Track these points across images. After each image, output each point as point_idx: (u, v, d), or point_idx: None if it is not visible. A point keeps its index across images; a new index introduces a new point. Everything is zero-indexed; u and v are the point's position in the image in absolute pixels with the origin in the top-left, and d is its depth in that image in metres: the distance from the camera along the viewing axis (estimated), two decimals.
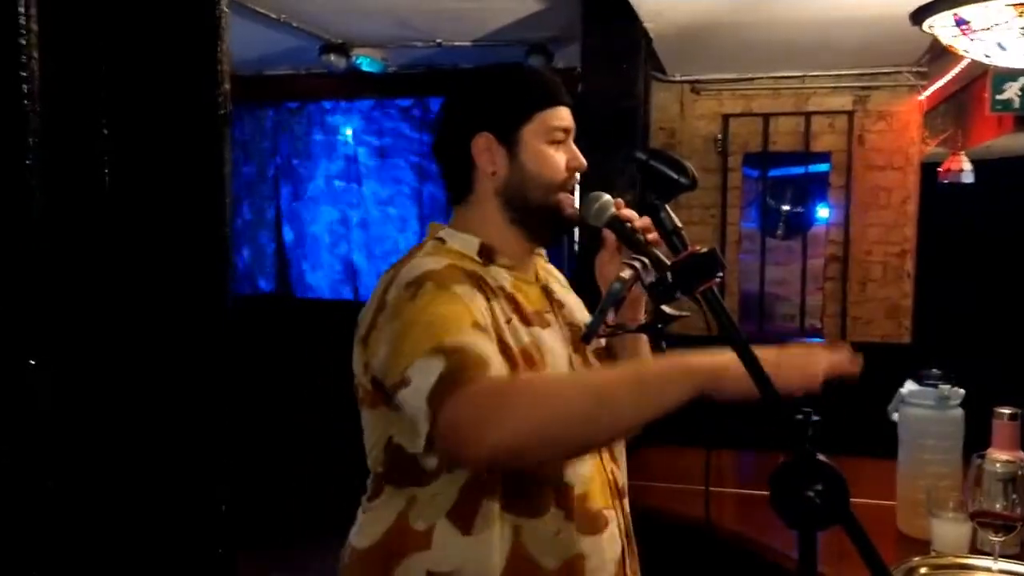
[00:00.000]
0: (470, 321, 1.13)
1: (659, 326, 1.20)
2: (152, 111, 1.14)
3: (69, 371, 1.08)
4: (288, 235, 5.43)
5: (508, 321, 1.22)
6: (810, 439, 1.06)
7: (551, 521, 1.21)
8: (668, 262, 1.19)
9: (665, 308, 1.18)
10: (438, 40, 4.30)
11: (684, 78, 4.56)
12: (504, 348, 1.18)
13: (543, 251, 1.40)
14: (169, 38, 1.15)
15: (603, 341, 1.37)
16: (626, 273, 1.21)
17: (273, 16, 3.83)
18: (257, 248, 5.48)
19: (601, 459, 1.29)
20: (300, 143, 5.35)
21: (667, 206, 1.22)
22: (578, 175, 1.32)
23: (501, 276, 1.28)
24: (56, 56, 1.00)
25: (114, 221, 1.12)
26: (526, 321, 1.25)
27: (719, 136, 4.60)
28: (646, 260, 1.25)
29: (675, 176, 1.20)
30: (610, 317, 1.21)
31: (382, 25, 4.08)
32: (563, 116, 1.29)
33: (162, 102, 1.15)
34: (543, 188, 1.28)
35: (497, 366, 1.10)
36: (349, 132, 5.29)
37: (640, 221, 1.27)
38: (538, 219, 1.30)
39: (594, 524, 1.25)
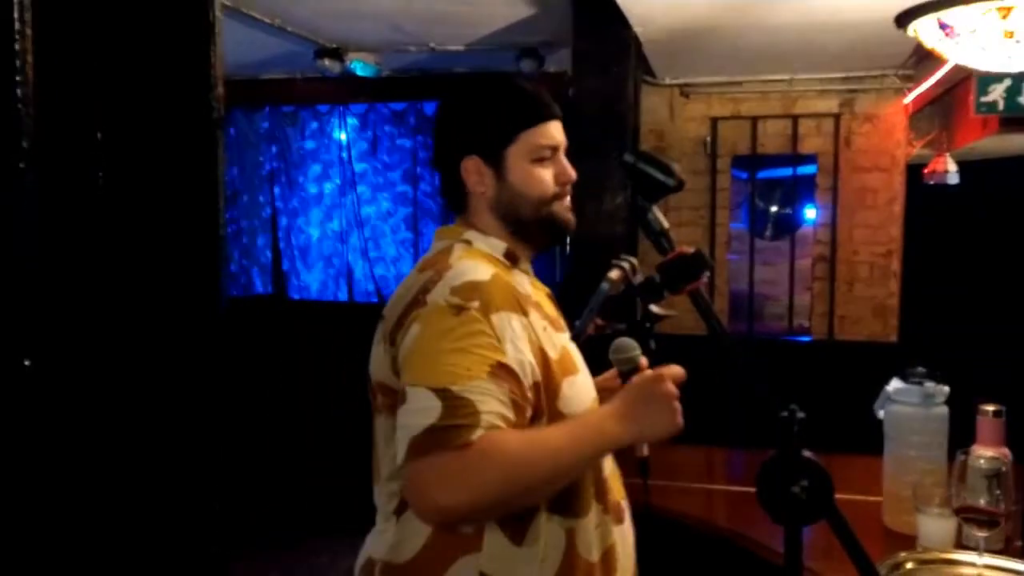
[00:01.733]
0: (490, 366, 1.14)
1: (647, 325, 1.22)
2: (145, 114, 1.15)
3: (64, 372, 1.08)
4: (283, 238, 5.43)
5: (544, 329, 1.25)
6: (796, 436, 1.08)
7: (594, 516, 1.27)
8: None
9: (653, 307, 1.20)
10: (431, 44, 4.31)
11: (673, 82, 4.59)
12: (545, 360, 1.21)
13: None
14: (162, 42, 1.16)
15: None
16: (614, 273, 1.23)
17: (267, 21, 3.83)
18: (252, 251, 5.47)
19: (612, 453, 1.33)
20: (295, 146, 5.35)
21: (655, 207, 1.24)
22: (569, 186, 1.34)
23: (524, 282, 1.31)
24: (50, 60, 1.00)
25: (108, 223, 1.13)
26: (555, 327, 1.29)
27: (708, 139, 4.63)
28: (634, 260, 1.27)
29: (662, 178, 1.22)
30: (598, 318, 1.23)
31: (376, 29, 4.10)
32: (548, 133, 1.30)
33: (155, 105, 1.16)
34: (532, 205, 1.30)
35: (486, 423, 1.11)
36: (343, 136, 5.30)
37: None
38: (533, 231, 1.33)
39: (619, 515, 1.33)
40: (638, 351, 1.26)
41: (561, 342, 1.28)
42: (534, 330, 1.22)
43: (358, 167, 5.28)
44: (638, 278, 1.23)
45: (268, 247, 5.44)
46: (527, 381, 1.18)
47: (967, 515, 1.62)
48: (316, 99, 5.13)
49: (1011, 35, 2.17)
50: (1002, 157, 5.04)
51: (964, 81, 3.67)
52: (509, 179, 1.29)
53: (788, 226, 4.86)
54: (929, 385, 1.90)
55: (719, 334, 1.14)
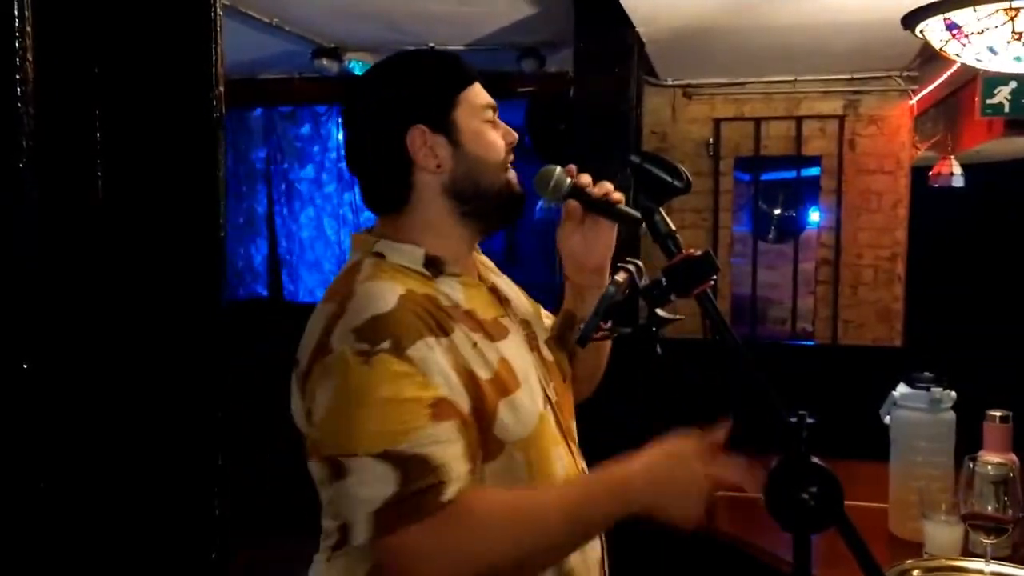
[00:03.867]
0: (429, 407, 1.03)
1: (653, 329, 1.20)
2: (146, 113, 1.14)
3: (63, 374, 1.07)
4: (281, 239, 5.42)
5: (475, 345, 1.13)
6: (804, 442, 1.06)
7: None
8: (637, 215, 1.18)
9: (659, 311, 1.18)
10: (431, 44, 4.30)
11: (676, 82, 4.58)
12: (475, 384, 1.10)
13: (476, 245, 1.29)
14: (164, 40, 1.15)
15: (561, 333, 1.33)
16: (620, 276, 1.21)
17: (265, 20, 3.82)
18: (249, 252, 5.47)
19: (574, 459, 1.25)
20: (292, 147, 5.34)
21: (661, 209, 1.23)
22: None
23: (453, 289, 1.17)
24: (50, 58, 0.99)
25: (108, 223, 1.12)
26: (490, 336, 1.16)
27: (711, 140, 4.62)
28: (640, 263, 1.26)
29: (668, 179, 1.20)
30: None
31: (375, 29, 4.08)
32: (483, 93, 1.21)
33: (156, 104, 1.15)
34: (491, 171, 1.20)
35: (454, 474, 1.02)
36: (341, 136, 5.29)
37: (599, 186, 1.24)
38: (491, 204, 1.21)
39: None
40: (558, 169, 1.21)
41: (498, 354, 1.15)
42: (459, 351, 1.10)
43: None
44: (644, 281, 1.21)
45: (264, 249, 5.44)
46: (465, 408, 1.07)
47: (974, 522, 1.62)
48: (314, 99, 5.13)
49: (1019, 37, 2.15)
50: (1008, 160, 5.03)
51: (969, 83, 3.65)
52: (464, 144, 1.17)
53: (792, 229, 4.85)
54: (936, 390, 1.89)
55: (727, 338, 1.13)
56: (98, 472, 1.13)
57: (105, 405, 1.13)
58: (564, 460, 1.21)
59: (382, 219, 1.22)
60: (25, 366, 0.95)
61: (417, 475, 1.00)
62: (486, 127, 1.20)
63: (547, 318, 1.40)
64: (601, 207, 1.25)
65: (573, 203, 1.26)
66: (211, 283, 1.20)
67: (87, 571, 1.12)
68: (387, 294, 1.08)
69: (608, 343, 1.36)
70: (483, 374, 1.11)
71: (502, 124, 1.24)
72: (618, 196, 1.24)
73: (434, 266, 1.17)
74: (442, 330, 1.10)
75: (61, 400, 1.07)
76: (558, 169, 1.23)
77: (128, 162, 1.13)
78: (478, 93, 1.21)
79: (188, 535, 1.20)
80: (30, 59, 0.93)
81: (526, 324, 1.28)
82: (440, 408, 1.05)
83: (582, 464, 1.28)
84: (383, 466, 1.00)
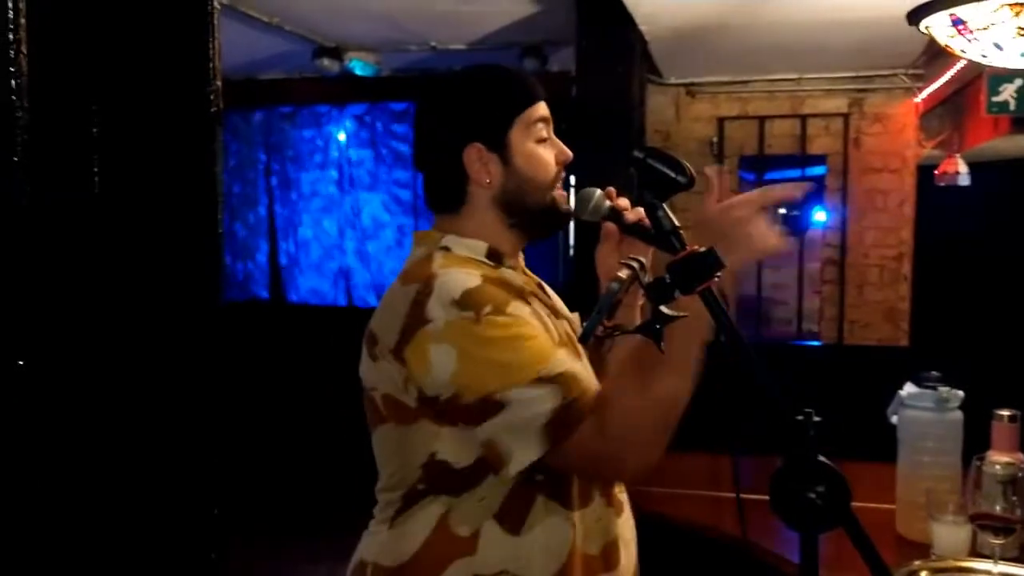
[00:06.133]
0: (550, 342, 1.17)
1: (657, 327, 1.18)
2: (143, 108, 1.13)
3: (59, 372, 1.06)
4: (281, 240, 5.42)
5: (548, 315, 1.26)
6: (811, 440, 1.04)
7: (596, 509, 1.26)
8: (672, 241, 1.19)
9: (664, 308, 1.17)
10: (432, 43, 4.30)
11: (679, 81, 4.57)
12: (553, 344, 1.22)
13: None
14: (160, 35, 1.14)
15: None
16: (623, 273, 1.20)
17: (265, 20, 3.82)
18: (250, 254, 5.46)
19: None
20: (293, 148, 5.34)
21: (665, 206, 1.21)
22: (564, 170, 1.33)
23: (514, 277, 1.29)
24: (45, 52, 0.98)
25: (104, 220, 1.11)
26: (556, 315, 1.30)
27: (714, 139, 4.60)
28: (644, 260, 1.24)
29: (673, 175, 1.20)
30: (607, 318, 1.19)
31: (375, 28, 4.08)
32: (542, 110, 1.29)
33: (153, 99, 1.14)
34: (539, 189, 1.28)
35: (590, 382, 1.16)
36: (342, 136, 5.28)
37: (634, 211, 1.29)
38: (535, 219, 1.30)
39: (620, 508, 1.31)
40: (598, 192, 1.27)
41: (563, 329, 1.28)
42: (540, 317, 1.23)
43: (357, 168, 5.27)
44: (647, 278, 1.20)
45: (265, 250, 5.43)
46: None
47: (982, 522, 1.60)
48: (315, 99, 5.13)
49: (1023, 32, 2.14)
50: (1014, 158, 5.00)
51: (975, 80, 3.64)
52: (515, 163, 1.26)
53: (796, 228, 4.81)
54: (943, 390, 1.87)
55: (733, 336, 1.11)
56: (97, 472, 1.12)
57: (103, 404, 1.12)
58: None
59: (439, 218, 1.32)
60: (20, 363, 0.94)
61: (570, 386, 1.13)
62: (538, 147, 1.28)
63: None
64: (636, 230, 1.29)
65: (611, 225, 1.32)
66: (209, 279, 1.19)
67: (87, 571, 1.11)
68: (470, 275, 1.20)
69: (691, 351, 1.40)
70: (555, 339, 1.22)
71: (558, 142, 1.31)
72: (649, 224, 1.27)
73: (495, 258, 1.28)
74: (524, 300, 1.22)
75: (58, 399, 1.06)
76: (598, 192, 1.28)
77: (124, 157, 1.11)
78: (536, 112, 1.28)
79: (188, 535, 1.19)
80: (24, 52, 0.92)
81: (569, 323, 1.35)
82: (556, 344, 1.19)
83: None
84: (539, 389, 1.12)
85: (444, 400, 1.16)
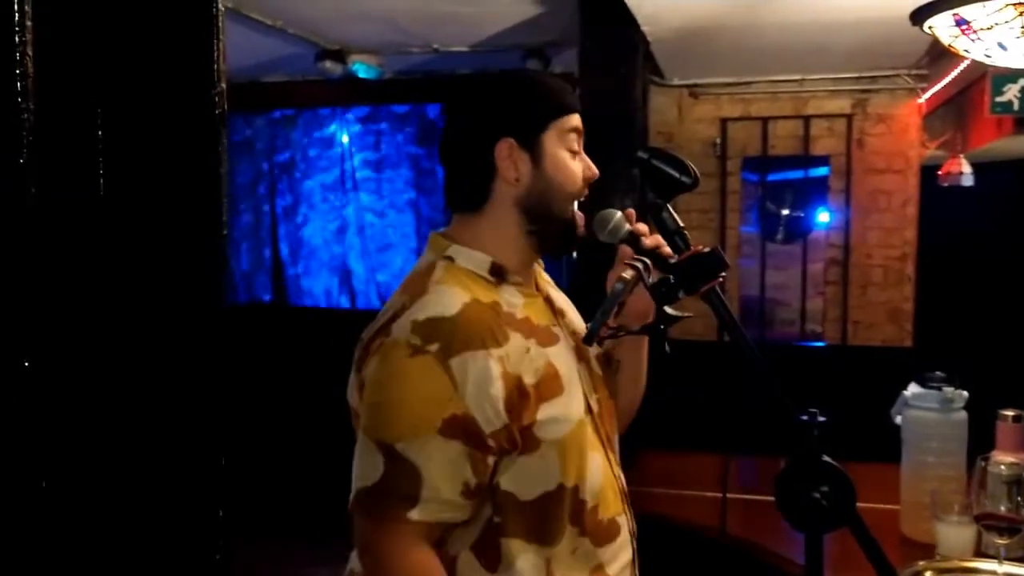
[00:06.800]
0: (441, 420, 1.11)
1: (661, 328, 1.18)
2: (148, 109, 1.13)
3: (64, 373, 1.06)
4: (284, 243, 5.42)
5: (527, 351, 1.19)
6: (816, 441, 1.04)
7: (568, 542, 1.21)
8: (683, 244, 1.19)
9: (668, 309, 1.17)
10: (435, 46, 4.30)
11: (682, 82, 4.57)
12: (520, 389, 1.16)
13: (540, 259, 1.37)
14: (165, 37, 1.14)
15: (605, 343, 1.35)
16: (628, 274, 1.20)
17: (268, 23, 3.82)
18: (253, 257, 5.47)
19: (611, 467, 1.29)
20: (296, 151, 5.34)
21: (669, 206, 1.21)
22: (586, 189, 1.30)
23: (513, 296, 1.24)
24: (50, 55, 0.98)
25: (109, 221, 1.11)
26: (541, 342, 1.22)
27: (717, 140, 4.60)
28: (648, 261, 1.24)
29: (677, 175, 1.20)
30: (611, 319, 1.19)
31: (379, 31, 4.08)
32: (577, 122, 1.27)
33: (158, 101, 1.14)
34: (563, 198, 1.25)
35: (431, 495, 1.11)
36: (345, 139, 5.29)
37: (652, 238, 1.26)
38: (554, 231, 1.27)
39: (608, 533, 1.26)
40: (618, 214, 1.25)
41: (546, 359, 1.21)
42: (511, 359, 1.16)
43: (360, 171, 5.27)
44: (652, 279, 1.20)
45: (269, 253, 5.44)
46: (490, 427, 1.13)
47: (987, 522, 1.61)
48: (318, 102, 5.14)
49: None
50: (1018, 158, 4.99)
51: (978, 81, 3.63)
52: (544, 166, 1.23)
53: (800, 229, 4.82)
54: (948, 390, 1.87)
55: (737, 337, 1.11)
56: (101, 473, 1.12)
57: (107, 405, 1.12)
58: (602, 467, 1.26)
59: (457, 218, 1.29)
60: (26, 364, 0.94)
61: (398, 481, 1.11)
62: (569, 157, 1.26)
63: None
64: (653, 256, 1.26)
65: (627, 248, 1.28)
66: (214, 280, 1.19)
67: (90, 572, 1.11)
68: (454, 299, 1.17)
69: (644, 363, 1.40)
70: (529, 379, 1.17)
71: (586, 159, 1.29)
72: (668, 251, 1.24)
73: (498, 274, 1.24)
74: (497, 340, 1.16)
75: (63, 400, 1.06)
76: (618, 214, 1.25)
77: (130, 159, 1.12)
78: (572, 122, 1.27)
79: (192, 537, 1.19)
80: (30, 53, 0.92)
81: (576, 336, 1.31)
82: (451, 426, 1.11)
83: (620, 473, 1.32)
84: (378, 456, 1.12)
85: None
